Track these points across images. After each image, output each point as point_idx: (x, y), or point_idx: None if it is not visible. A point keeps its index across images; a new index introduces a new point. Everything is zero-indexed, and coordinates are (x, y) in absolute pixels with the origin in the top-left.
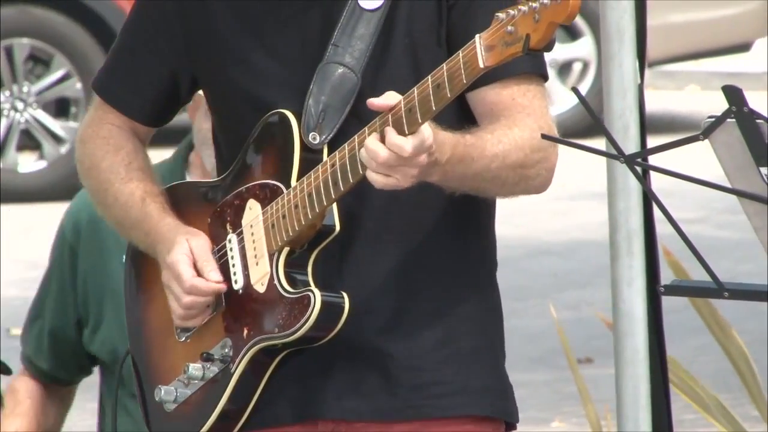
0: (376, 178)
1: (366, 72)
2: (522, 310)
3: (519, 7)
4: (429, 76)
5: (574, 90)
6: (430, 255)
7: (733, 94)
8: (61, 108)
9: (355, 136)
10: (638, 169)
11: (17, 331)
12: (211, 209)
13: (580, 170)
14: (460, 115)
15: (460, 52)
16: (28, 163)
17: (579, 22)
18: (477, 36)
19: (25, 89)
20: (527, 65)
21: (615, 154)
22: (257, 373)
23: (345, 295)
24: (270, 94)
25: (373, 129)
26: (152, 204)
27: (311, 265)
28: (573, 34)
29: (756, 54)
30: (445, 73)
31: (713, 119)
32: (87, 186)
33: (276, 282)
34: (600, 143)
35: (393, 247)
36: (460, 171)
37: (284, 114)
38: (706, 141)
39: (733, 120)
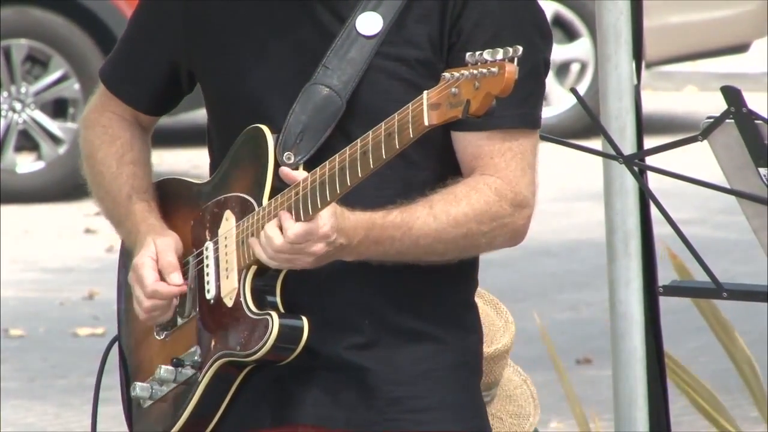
0: (270, 264)
1: (351, 97)
2: (520, 311)
3: (462, 71)
4: (383, 123)
5: (573, 91)
6: (409, 273)
7: (732, 94)
8: (59, 109)
9: (320, 167)
10: (636, 169)
11: (16, 331)
12: (195, 211)
13: (578, 171)
14: (445, 140)
15: (410, 105)
16: (26, 164)
17: (576, 22)
18: (425, 92)
19: (23, 90)
20: (517, 120)
21: (614, 154)
22: (225, 382)
23: (304, 318)
24: (259, 101)
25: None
26: (138, 203)
27: (280, 285)
28: (571, 35)
29: (754, 55)
30: (395, 124)
31: (712, 120)
32: (85, 174)
33: (242, 299)
34: (598, 144)
35: (371, 266)
36: (377, 251)
37: (262, 130)
38: (705, 142)
39: (732, 121)
